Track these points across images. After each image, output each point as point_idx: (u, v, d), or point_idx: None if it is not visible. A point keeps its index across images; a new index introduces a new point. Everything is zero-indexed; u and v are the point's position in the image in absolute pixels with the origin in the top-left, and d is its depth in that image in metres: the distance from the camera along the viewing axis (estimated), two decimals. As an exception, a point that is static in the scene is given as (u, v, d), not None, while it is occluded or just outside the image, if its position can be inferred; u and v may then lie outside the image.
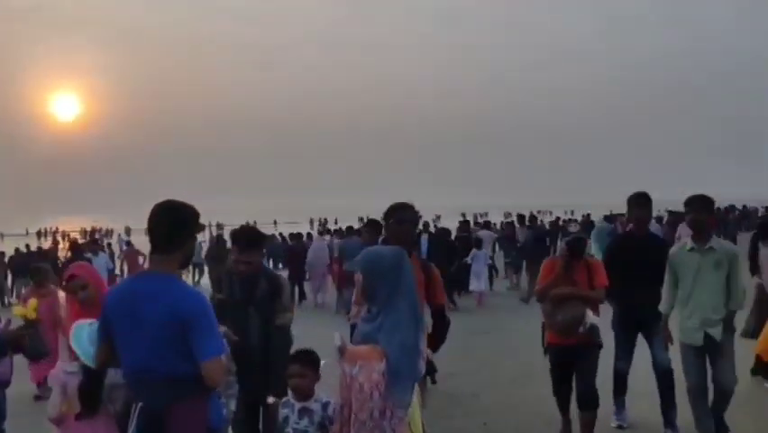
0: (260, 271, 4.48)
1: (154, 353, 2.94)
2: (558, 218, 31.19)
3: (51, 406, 3.99)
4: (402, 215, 4.25)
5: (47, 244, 42.07)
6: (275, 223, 73.13)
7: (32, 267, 9.18)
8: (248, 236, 4.46)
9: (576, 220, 27.50)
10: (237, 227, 4.80)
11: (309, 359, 3.70)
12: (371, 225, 8.83)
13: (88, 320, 4.00)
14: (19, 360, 8.02)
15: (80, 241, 27.58)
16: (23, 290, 17.84)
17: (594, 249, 19.88)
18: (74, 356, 3.98)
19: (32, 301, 7.80)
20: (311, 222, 71.38)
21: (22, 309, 7.76)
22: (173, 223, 3.07)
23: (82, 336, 3.92)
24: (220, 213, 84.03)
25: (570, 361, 5.31)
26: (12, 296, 19.71)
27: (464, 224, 19.20)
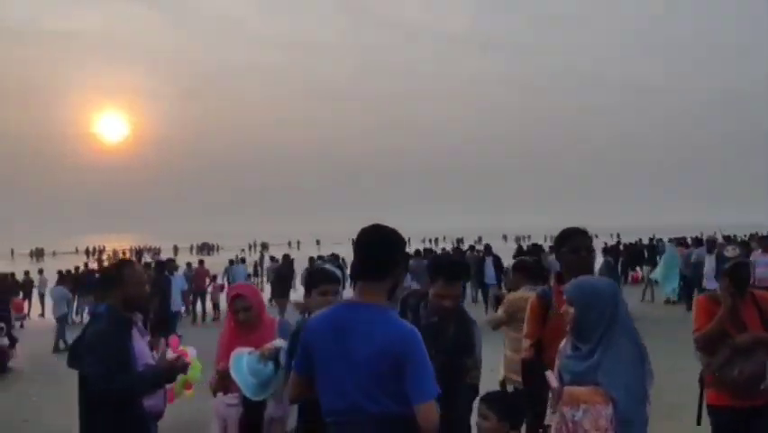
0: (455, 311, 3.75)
1: (364, 391, 2.68)
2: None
3: None
4: (576, 242, 3.86)
5: (92, 261, 42.69)
6: (317, 243, 74.09)
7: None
8: (454, 266, 3.79)
9: (732, 238, 22.64)
10: (438, 255, 4.23)
11: (497, 402, 3.39)
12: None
13: (246, 349, 3.82)
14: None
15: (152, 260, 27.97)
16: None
17: (660, 275, 19.00)
18: (233, 387, 3.79)
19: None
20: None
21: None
22: (385, 248, 2.83)
23: (242, 365, 3.73)
24: (263, 234, 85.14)
25: (745, 428, 4.21)
26: (75, 314, 19.76)
27: (536, 248, 18.63)
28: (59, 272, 20.40)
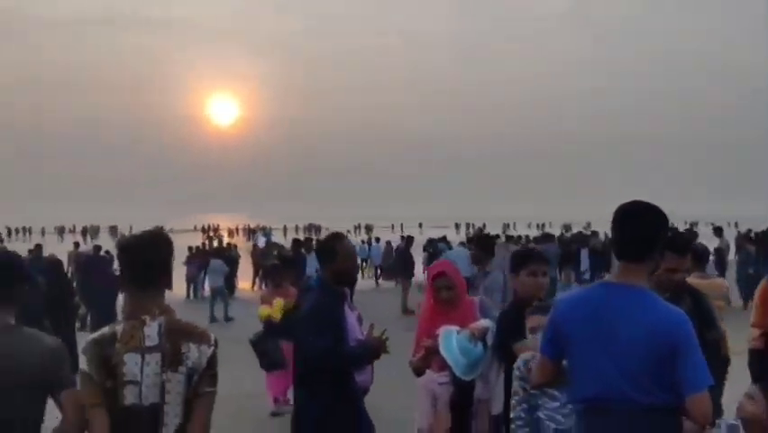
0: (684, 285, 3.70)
1: (631, 379, 2.50)
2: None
3: (420, 415, 3.74)
4: None
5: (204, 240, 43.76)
6: (420, 226, 74.22)
7: (270, 266, 8.91)
8: (683, 238, 3.75)
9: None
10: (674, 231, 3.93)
11: None
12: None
13: (453, 327, 3.73)
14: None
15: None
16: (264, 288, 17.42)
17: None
18: (443, 366, 3.72)
19: (279, 301, 7.39)
20: (456, 226, 71.53)
21: (267, 310, 7.47)
22: (655, 226, 2.64)
23: (452, 343, 3.63)
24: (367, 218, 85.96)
25: None
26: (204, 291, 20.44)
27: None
28: (189, 248, 21.13)
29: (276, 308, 7.24)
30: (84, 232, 66.59)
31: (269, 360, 7.18)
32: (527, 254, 3.80)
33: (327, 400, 3.54)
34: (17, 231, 68.51)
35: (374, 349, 3.67)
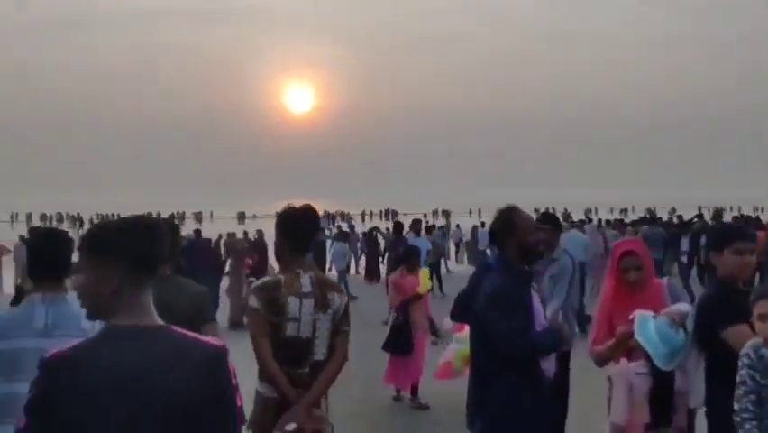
0: None
1: None
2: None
3: (615, 409, 3.42)
4: None
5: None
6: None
7: (408, 248, 8.52)
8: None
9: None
10: None
11: None
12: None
13: (647, 312, 3.39)
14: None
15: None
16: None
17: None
18: (636, 355, 3.40)
19: (425, 272, 7.93)
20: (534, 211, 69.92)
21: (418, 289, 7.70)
22: None
23: (650, 330, 3.30)
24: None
25: None
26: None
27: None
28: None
29: (424, 281, 7.55)
30: (171, 218, 68.15)
31: (399, 344, 7.13)
32: (733, 232, 3.42)
33: (510, 387, 3.32)
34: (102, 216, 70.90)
35: (561, 336, 3.41)
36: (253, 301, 3.14)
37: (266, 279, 3.32)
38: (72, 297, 2.77)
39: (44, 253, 2.93)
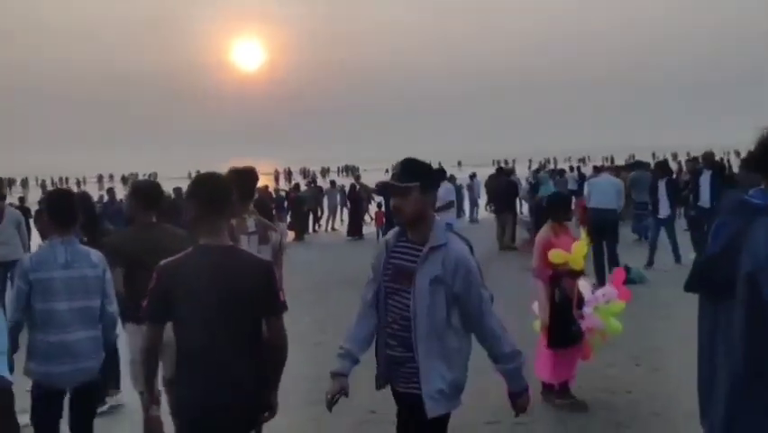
0: None
1: None
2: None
3: None
4: None
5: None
6: (459, 164, 74.00)
7: (557, 197, 6.37)
8: None
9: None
10: None
11: None
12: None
13: None
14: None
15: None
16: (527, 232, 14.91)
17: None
18: None
19: (580, 244, 5.62)
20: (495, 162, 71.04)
21: (562, 255, 5.52)
22: None
23: None
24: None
25: None
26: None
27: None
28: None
29: (577, 252, 5.63)
30: (124, 180, 67.89)
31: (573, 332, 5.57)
32: None
33: None
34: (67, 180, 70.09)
35: None
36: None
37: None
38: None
39: (62, 208, 4.08)
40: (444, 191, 11.78)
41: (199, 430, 3.03)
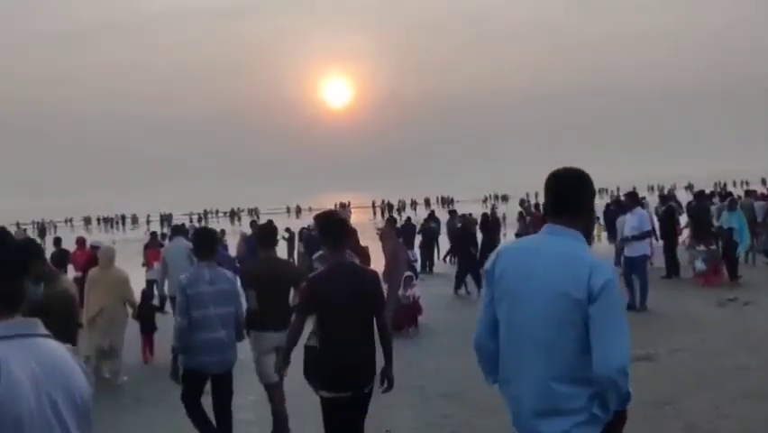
0: None
1: None
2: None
3: None
4: None
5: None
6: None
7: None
8: None
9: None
10: None
11: None
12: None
13: None
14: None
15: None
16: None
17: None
18: None
19: None
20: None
21: None
22: None
23: None
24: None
25: None
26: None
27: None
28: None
29: None
30: (231, 214, 71.14)
31: None
32: None
33: None
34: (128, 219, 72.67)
35: None
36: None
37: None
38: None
39: (207, 241, 5.61)
40: (639, 219, 11.30)
41: (342, 379, 4.32)
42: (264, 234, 6.18)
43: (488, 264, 2.88)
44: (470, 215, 22.06)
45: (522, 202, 17.56)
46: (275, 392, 5.83)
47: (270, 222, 6.54)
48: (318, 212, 5.28)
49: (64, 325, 4.49)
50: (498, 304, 2.81)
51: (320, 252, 5.96)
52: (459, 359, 8.33)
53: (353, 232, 7.30)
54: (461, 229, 15.92)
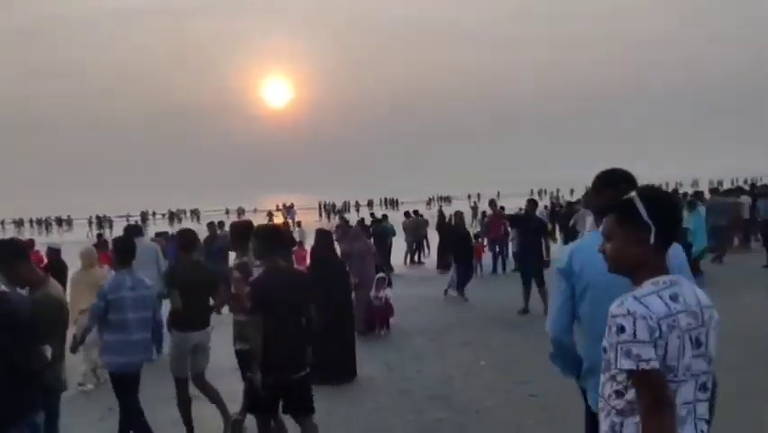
0: None
1: None
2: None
3: None
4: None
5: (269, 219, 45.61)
6: (498, 195, 62.57)
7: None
8: None
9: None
10: None
11: None
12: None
13: None
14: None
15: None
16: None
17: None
18: None
19: None
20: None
21: None
22: None
23: None
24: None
25: None
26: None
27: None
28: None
29: None
30: (171, 216, 71.66)
31: None
32: None
33: None
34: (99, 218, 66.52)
35: None
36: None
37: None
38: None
39: (129, 246, 5.93)
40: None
41: (278, 371, 4.95)
42: (185, 240, 6.72)
43: (563, 262, 3.00)
44: (422, 215, 23.41)
45: (491, 202, 17.83)
46: (198, 382, 6.42)
47: (189, 229, 6.90)
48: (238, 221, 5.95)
49: (53, 330, 4.50)
50: (579, 299, 2.91)
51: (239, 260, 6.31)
52: (438, 361, 8.86)
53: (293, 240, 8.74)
54: (463, 230, 16.05)
